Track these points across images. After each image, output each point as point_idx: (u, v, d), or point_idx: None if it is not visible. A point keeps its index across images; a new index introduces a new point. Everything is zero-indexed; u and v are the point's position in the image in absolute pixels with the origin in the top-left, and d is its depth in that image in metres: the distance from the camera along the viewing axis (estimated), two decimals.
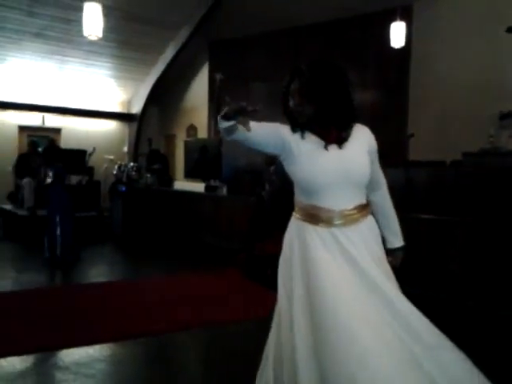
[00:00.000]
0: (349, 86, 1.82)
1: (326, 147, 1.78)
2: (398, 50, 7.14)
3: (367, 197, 1.93)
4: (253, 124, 1.77)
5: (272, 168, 7.45)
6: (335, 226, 1.79)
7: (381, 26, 7.45)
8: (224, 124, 1.74)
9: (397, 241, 2.04)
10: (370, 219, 1.88)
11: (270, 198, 6.53)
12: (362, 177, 1.80)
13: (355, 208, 1.81)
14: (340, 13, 8.18)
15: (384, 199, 2.00)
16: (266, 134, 1.86)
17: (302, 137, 1.82)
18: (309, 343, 1.68)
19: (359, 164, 1.79)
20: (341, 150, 1.78)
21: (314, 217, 1.81)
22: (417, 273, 4.13)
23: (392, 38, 6.99)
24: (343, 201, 1.80)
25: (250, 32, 9.25)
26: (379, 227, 1.94)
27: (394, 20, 6.96)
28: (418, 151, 6.49)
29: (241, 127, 1.74)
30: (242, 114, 1.69)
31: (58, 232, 6.02)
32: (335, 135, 1.79)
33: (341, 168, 1.76)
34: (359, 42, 8.37)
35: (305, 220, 1.84)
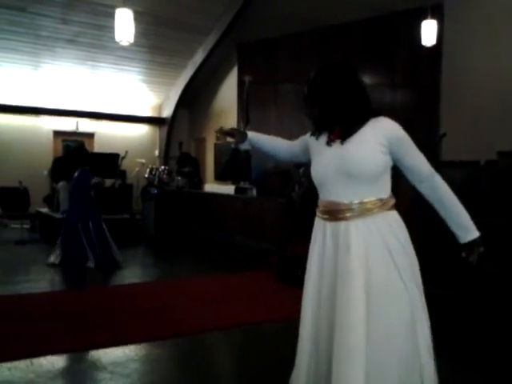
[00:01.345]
0: (355, 86, 1.83)
1: (327, 144, 1.87)
2: (428, 48, 7.03)
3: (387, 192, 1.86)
4: (289, 142, 2.20)
5: (301, 169, 7.45)
6: (332, 219, 1.84)
7: (411, 24, 7.36)
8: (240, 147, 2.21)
9: (465, 234, 1.83)
10: (385, 214, 1.81)
11: (299, 199, 6.53)
12: (362, 171, 1.77)
13: (361, 202, 1.79)
14: (369, 12, 8.12)
15: (433, 191, 1.84)
16: (297, 144, 2.14)
17: (317, 138, 1.95)
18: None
19: (358, 158, 1.77)
20: (342, 146, 1.81)
21: (319, 210, 1.92)
22: (451, 274, 4.06)
23: (423, 36, 6.89)
24: (344, 195, 1.81)
25: (278, 33, 9.28)
26: (446, 222, 1.84)
27: (425, 18, 6.86)
28: (451, 151, 6.37)
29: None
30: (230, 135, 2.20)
31: (95, 241, 6.07)
32: (339, 133, 1.84)
33: (337, 163, 1.81)
34: (389, 42, 8.28)
35: (317, 215, 1.94)
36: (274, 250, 5.90)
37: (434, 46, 7.02)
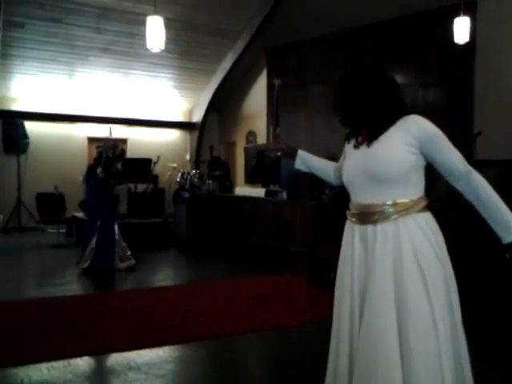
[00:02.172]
0: (382, 86, 1.79)
1: (355, 147, 1.86)
2: (461, 46, 6.88)
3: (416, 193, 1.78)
4: (335, 165, 2.17)
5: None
6: (361, 222, 1.81)
7: (443, 22, 7.23)
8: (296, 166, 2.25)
9: (508, 235, 1.70)
10: (415, 216, 1.73)
11: (330, 201, 6.48)
12: (388, 172, 1.72)
13: (391, 204, 1.74)
14: (399, 11, 8.01)
15: (471, 189, 1.75)
16: (340, 165, 2.09)
17: (348, 141, 1.94)
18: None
19: (383, 160, 1.73)
20: (368, 149, 1.79)
21: (349, 213, 1.90)
22: (488, 275, 3.96)
23: (456, 33, 6.75)
24: (373, 197, 1.77)
25: (308, 35, 9.25)
26: (487, 222, 1.74)
27: (458, 15, 6.72)
28: (486, 150, 6.20)
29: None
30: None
31: (94, 241, 6.11)
32: (366, 135, 1.82)
33: (364, 165, 1.78)
34: (421, 40, 8.15)
35: (347, 218, 1.92)
36: (304, 253, 5.87)
37: (467, 44, 6.87)
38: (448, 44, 7.07)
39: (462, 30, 6.71)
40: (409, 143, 1.72)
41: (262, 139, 10.73)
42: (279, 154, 2.28)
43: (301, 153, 2.23)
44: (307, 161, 2.23)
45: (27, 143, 10.25)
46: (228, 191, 9.08)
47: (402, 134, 1.74)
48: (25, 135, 10.21)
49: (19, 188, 9.95)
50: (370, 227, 1.77)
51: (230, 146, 12.42)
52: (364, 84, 1.78)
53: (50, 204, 8.93)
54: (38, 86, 10.20)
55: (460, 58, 7.61)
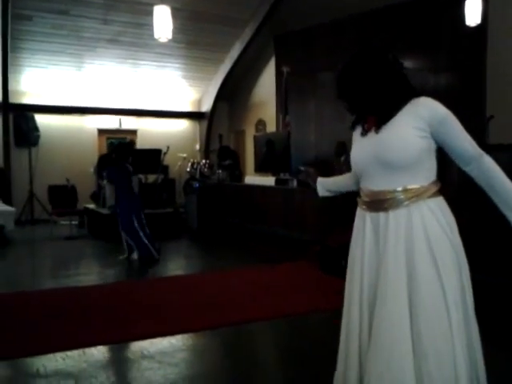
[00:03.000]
0: (386, 70, 1.73)
1: (362, 134, 1.84)
2: (473, 28, 6.76)
3: (429, 178, 1.75)
4: (351, 175, 2.15)
5: (342, 158, 7.36)
6: (372, 209, 1.79)
7: (454, 4, 7.10)
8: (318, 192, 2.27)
9: None
10: (427, 201, 1.71)
11: None
12: (398, 159, 1.69)
13: (402, 190, 1.71)
14: None
15: (481, 173, 1.70)
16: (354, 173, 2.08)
17: (354, 128, 1.92)
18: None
19: (393, 146, 1.69)
20: (377, 135, 1.75)
21: (360, 200, 1.88)
22: (503, 261, 3.93)
23: (467, 15, 6.62)
24: (383, 183, 1.75)
25: (315, 22, 9.14)
26: (498, 207, 1.70)
27: None
28: (498, 134, 6.11)
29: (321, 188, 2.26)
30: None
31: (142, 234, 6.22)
32: (373, 122, 1.78)
33: (373, 152, 1.75)
34: (430, 24, 8.01)
35: (358, 205, 1.91)
36: (315, 241, 5.87)
37: (478, 26, 6.74)
38: (459, 27, 6.95)
39: (473, 11, 6.58)
40: (419, 127, 1.68)
41: (271, 127, 10.70)
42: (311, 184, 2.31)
43: (320, 180, 2.24)
44: (327, 185, 2.25)
45: (38, 136, 10.31)
46: (238, 180, 9.08)
47: (411, 118, 1.69)
48: (35, 128, 10.27)
49: (31, 181, 10.04)
50: (381, 214, 1.76)
51: (240, 134, 12.40)
52: (366, 69, 1.73)
53: (62, 196, 9.00)
54: (48, 79, 10.23)
55: (471, 41, 7.47)
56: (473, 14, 6.57)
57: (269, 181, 7.66)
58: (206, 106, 12.17)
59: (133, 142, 9.38)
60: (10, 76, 9.56)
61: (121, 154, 6.52)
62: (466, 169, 1.74)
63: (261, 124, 11.39)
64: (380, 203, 1.76)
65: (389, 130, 1.72)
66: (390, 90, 1.74)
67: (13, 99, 9.99)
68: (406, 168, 1.71)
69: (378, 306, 1.70)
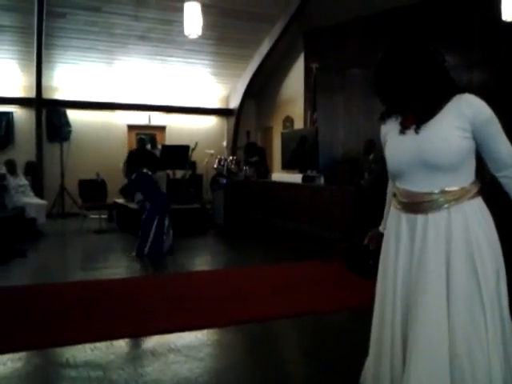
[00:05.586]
0: (427, 64, 1.64)
1: (401, 132, 1.74)
2: (508, 23, 6.58)
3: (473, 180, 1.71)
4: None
5: (371, 156, 7.27)
6: (409, 211, 1.73)
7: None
8: None
9: None
10: (468, 204, 1.66)
11: (369, 186, 6.38)
12: (441, 160, 1.62)
13: (442, 192, 1.66)
14: None
15: (511, 182, 1.67)
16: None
17: (384, 120, 1.84)
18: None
19: (435, 147, 1.62)
20: (418, 135, 1.67)
21: (396, 200, 1.81)
22: None
23: (503, 10, 6.45)
24: (423, 185, 1.68)
25: (344, 18, 9.04)
26: None
27: None
28: None
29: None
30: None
31: (153, 230, 6.23)
32: (412, 119, 1.70)
33: (413, 152, 1.67)
34: (465, 19, 7.82)
35: (393, 204, 1.84)
36: (342, 239, 5.82)
37: None
38: (493, 22, 6.78)
39: (509, 6, 6.41)
40: (462, 127, 1.62)
41: (298, 124, 10.65)
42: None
43: (382, 227, 2.05)
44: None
45: (70, 131, 10.52)
46: (264, 177, 9.08)
47: (454, 116, 1.63)
48: (67, 123, 10.49)
49: (62, 175, 10.24)
50: (419, 216, 1.70)
51: (267, 131, 12.39)
52: (406, 62, 1.64)
53: (92, 190, 9.16)
54: (79, 75, 10.41)
55: (507, 36, 7.27)
56: (508, 10, 6.41)
57: (296, 178, 7.63)
58: (234, 103, 12.19)
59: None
60: (44, 72, 9.77)
61: (132, 165, 6.64)
62: (497, 174, 1.70)
63: (288, 121, 11.36)
64: (418, 205, 1.70)
65: (430, 130, 1.65)
66: (432, 85, 1.66)
67: (46, 95, 10.22)
68: (448, 169, 1.65)
69: (417, 309, 1.65)
